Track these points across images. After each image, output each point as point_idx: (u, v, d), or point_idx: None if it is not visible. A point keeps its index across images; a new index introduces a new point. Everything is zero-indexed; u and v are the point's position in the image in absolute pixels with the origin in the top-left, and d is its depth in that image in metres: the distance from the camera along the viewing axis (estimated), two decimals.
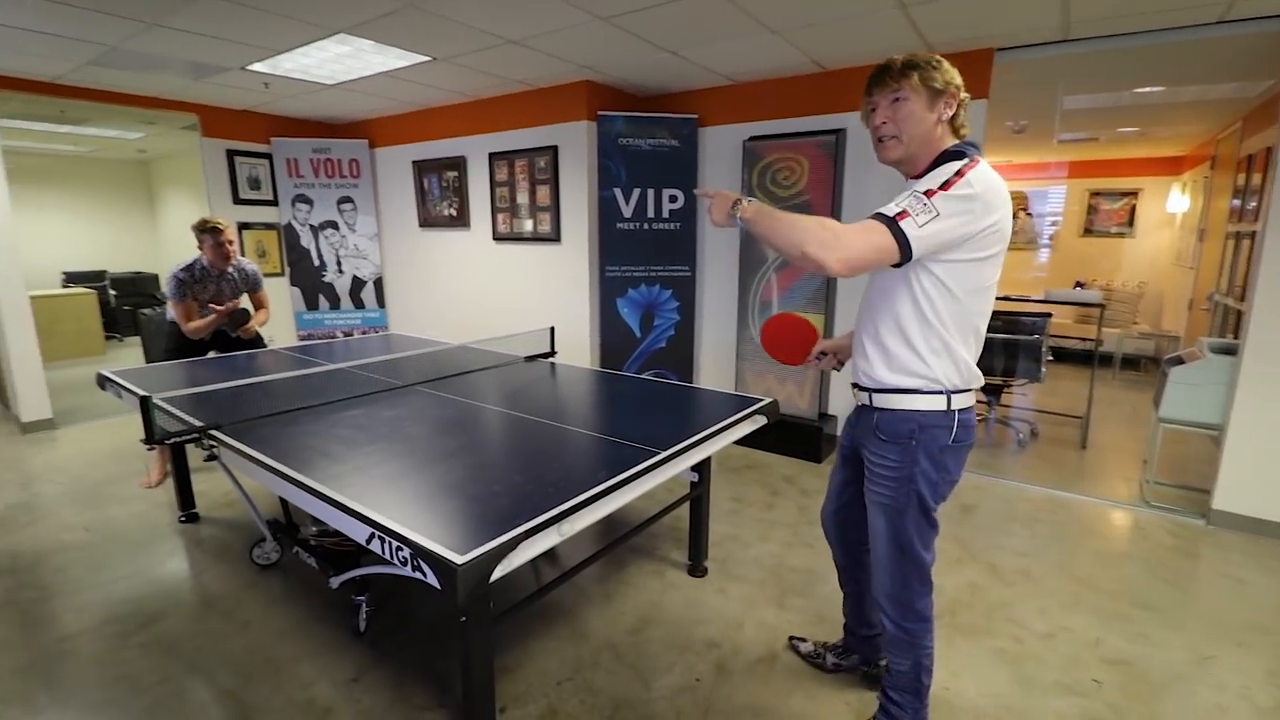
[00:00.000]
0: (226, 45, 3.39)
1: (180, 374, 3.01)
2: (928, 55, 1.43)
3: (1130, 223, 7.02)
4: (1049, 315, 4.01)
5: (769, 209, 1.42)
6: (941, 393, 1.45)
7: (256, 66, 3.82)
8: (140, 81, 4.20)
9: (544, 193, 4.39)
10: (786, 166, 3.80)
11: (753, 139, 3.90)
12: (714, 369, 4.48)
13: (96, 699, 1.89)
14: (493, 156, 4.63)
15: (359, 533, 1.50)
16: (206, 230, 3.31)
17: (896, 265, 1.35)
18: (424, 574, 1.33)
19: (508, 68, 3.78)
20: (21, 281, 4.31)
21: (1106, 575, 2.61)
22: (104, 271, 8.34)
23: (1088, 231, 7.27)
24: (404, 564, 1.38)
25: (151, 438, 2.06)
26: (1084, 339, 5.53)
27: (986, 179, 1.35)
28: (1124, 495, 3.37)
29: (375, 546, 1.46)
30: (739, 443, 4.07)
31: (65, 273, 8.09)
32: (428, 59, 3.60)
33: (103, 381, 2.89)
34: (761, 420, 2.37)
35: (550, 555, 2.73)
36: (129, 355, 6.94)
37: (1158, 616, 2.34)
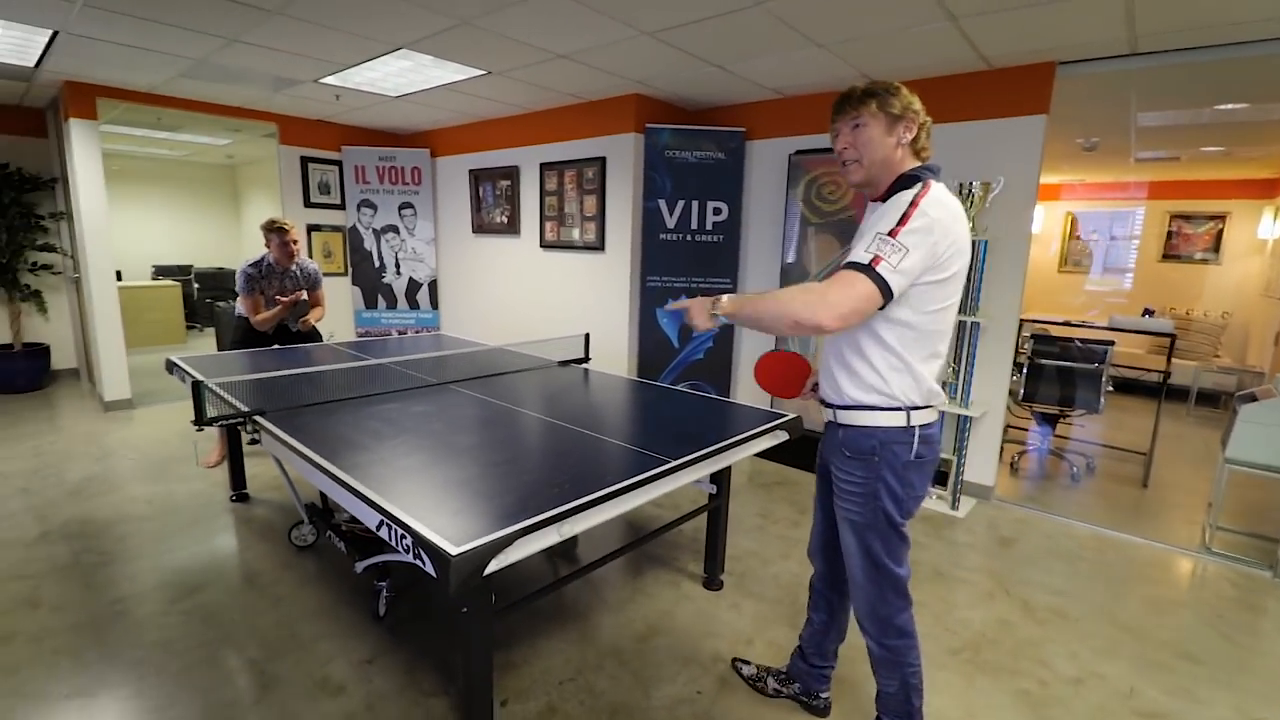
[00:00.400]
0: (300, 60, 3.64)
1: (240, 362, 3.22)
2: (887, 83, 1.48)
3: (1216, 248, 6.55)
4: (1111, 343, 3.79)
5: (745, 296, 1.49)
6: (901, 409, 1.48)
7: (328, 79, 4.07)
8: (226, 92, 4.55)
9: (591, 203, 4.48)
10: (832, 181, 3.76)
11: (799, 153, 3.87)
12: (751, 383, 4.44)
13: (138, 658, 2.05)
14: (544, 166, 4.76)
15: (370, 519, 1.58)
16: (274, 230, 3.55)
17: (881, 308, 1.38)
18: (423, 562, 1.39)
19: (559, 81, 3.89)
20: (112, 274, 4.71)
21: (1152, 622, 2.44)
22: (190, 266, 9.00)
23: (1168, 256, 6.83)
24: (406, 551, 1.44)
25: (201, 419, 2.23)
26: (1150, 370, 5.19)
27: (939, 203, 1.39)
28: (1184, 540, 3.14)
29: (383, 533, 1.53)
30: (770, 458, 4.06)
31: (155, 266, 8.77)
32: (483, 73, 3.75)
33: (170, 366, 3.13)
34: (783, 435, 2.35)
35: (566, 555, 2.77)
36: (205, 344, 7.46)
37: (1205, 671, 2.17)
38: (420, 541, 1.39)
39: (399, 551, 1.47)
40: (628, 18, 2.79)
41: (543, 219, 4.88)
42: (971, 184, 3.14)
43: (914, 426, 1.49)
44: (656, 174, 4.17)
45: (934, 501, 3.47)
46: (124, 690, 1.91)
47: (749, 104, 4.20)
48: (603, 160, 4.34)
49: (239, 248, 9.61)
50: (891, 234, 1.34)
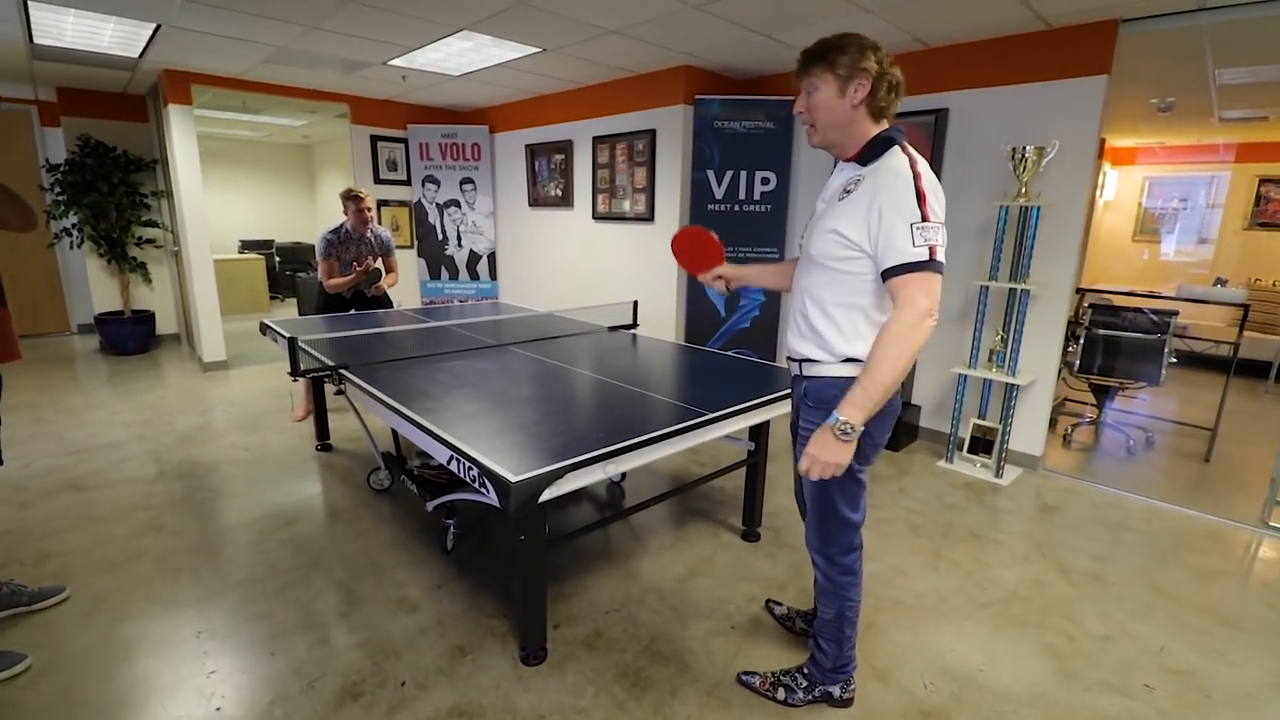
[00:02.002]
0: (370, 44, 3.88)
1: (323, 325, 3.55)
2: (839, 40, 1.43)
3: None
4: (1174, 314, 3.67)
5: (859, 390, 1.39)
6: (859, 360, 1.49)
7: (395, 61, 4.32)
8: (303, 76, 4.87)
9: (641, 174, 4.61)
10: None
11: None
12: None
13: (245, 576, 2.38)
14: (596, 140, 4.90)
15: (441, 454, 1.80)
16: (350, 197, 3.86)
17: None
18: (487, 489, 1.60)
19: (610, 56, 4.01)
20: (208, 247, 5.18)
21: (1193, 589, 2.45)
22: (272, 240, 9.64)
23: (1259, 224, 6.39)
24: (473, 481, 1.66)
25: (296, 370, 2.52)
26: (1225, 343, 4.94)
27: (925, 167, 1.42)
28: (1242, 514, 3.07)
29: (453, 466, 1.75)
30: None
31: (242, 240, 9.44)
32: (538, 50, 3.90)
33: (263, 328, 3.48)
34: None
35: (614, 504, 2.98)
36: (287, 312, 8.03)
37: (1244, 636, 2.18)
38: (485, 471, 1.60)
39: (465, 486, 1.69)
40: None
41: (595, 191, 5.04)
42: (1025, 148, 3.09)
43: None
44: (705, 145, 4.25)
45: (977, 469, 3.50)
46: (235, 599, 2.23)
47: None
48: (653, 133, 4.44)
49: (314, 223, 10.21)
50: (925, 219, 1.35)
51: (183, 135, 4.85)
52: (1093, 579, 2.50)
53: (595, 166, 4.98)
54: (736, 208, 4.32)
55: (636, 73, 4.43)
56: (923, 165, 1.42)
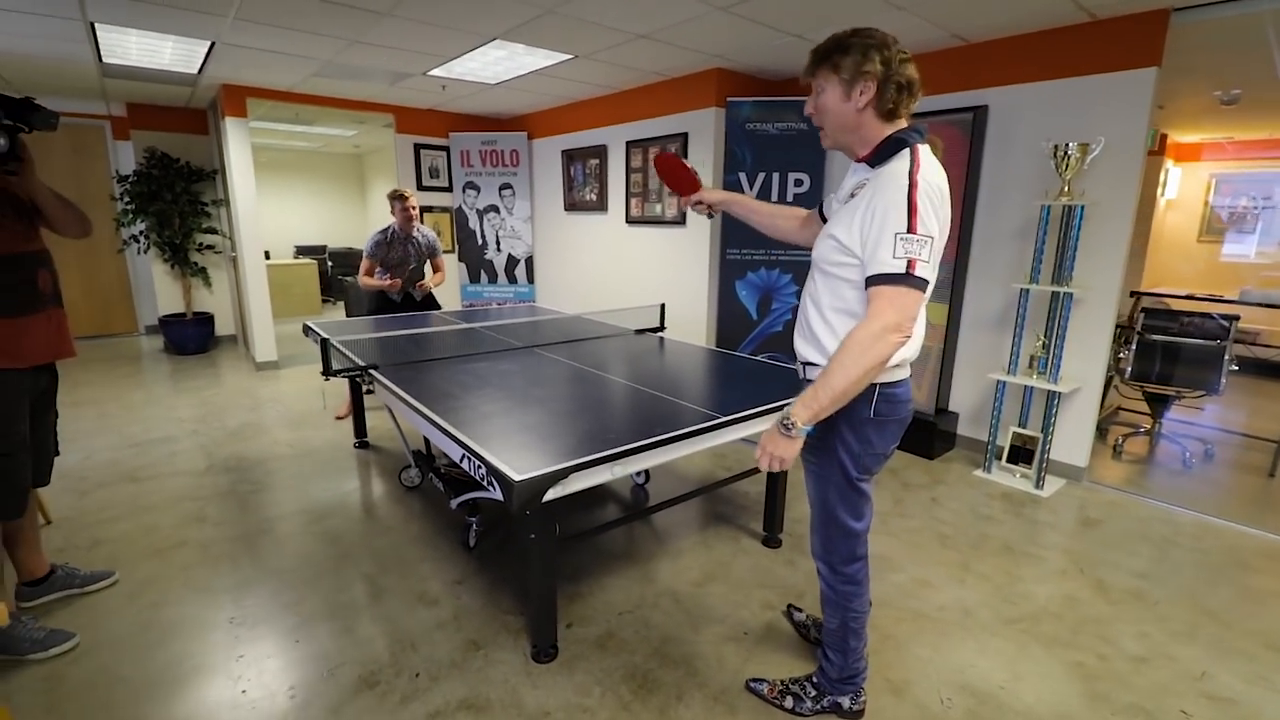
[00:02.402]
0: (410, 55, 4.02)
1: (360, 327, 3.68)
2: (844, 39, 1.39)
3: None
4: (1236, 318, 3.45)
5: (810, 392, 1.38)
6: None
7: (435, 71, 4.45)
8: (350, 88, 5.07)
9: None
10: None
11: None
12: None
13: (278, 566, 2.49)
14: (629, 144, 4.94)
15: (455, 452, 1.85)
16: (395, 197, 4.03)
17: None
18: (494, 487, 1.64)
19: (641, 60, 4.03)
20: (261, 253, 5.44)
21: (1243, 611, 2.30)
22: (324, 246, 10.05)
23: None
24: (481, 479, 1.70)
25: (328, 370, 2.63)
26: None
27: (930, 168, 1.36)
28: None
29: (464, 464, 1.80)
30: None
31: (297, 246, 9.87)
32: (570, 57, 3.96)
33: (306, 330, 3.64)
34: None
35: (637, 506, 2.99)
36: (338, 315, 8.35)
37: None
38: (491, 469, 1.64)
39: (480, 485, 1.73)
40: None
41: (628, 195, 5.07)
42: (1067, 145, 2.97)
43: (873, 384, 1.46)
44: (737, 147, 4.23)
45: (1016, 479, 3.36)
46: (268, 588, 2.34)
47: None
48: (685, 136, 4.45)
49: (365, 229, 10.58)
50: (911, 230, 1.29)
51: (239, 146, 5.12)
52: (1133, 597, 2.37)
53: (629, 170, 5.01)
54: None
55: (668, 76, 4.44)
56: (927, 172, 1.34)
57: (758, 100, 4.16)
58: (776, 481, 2.66)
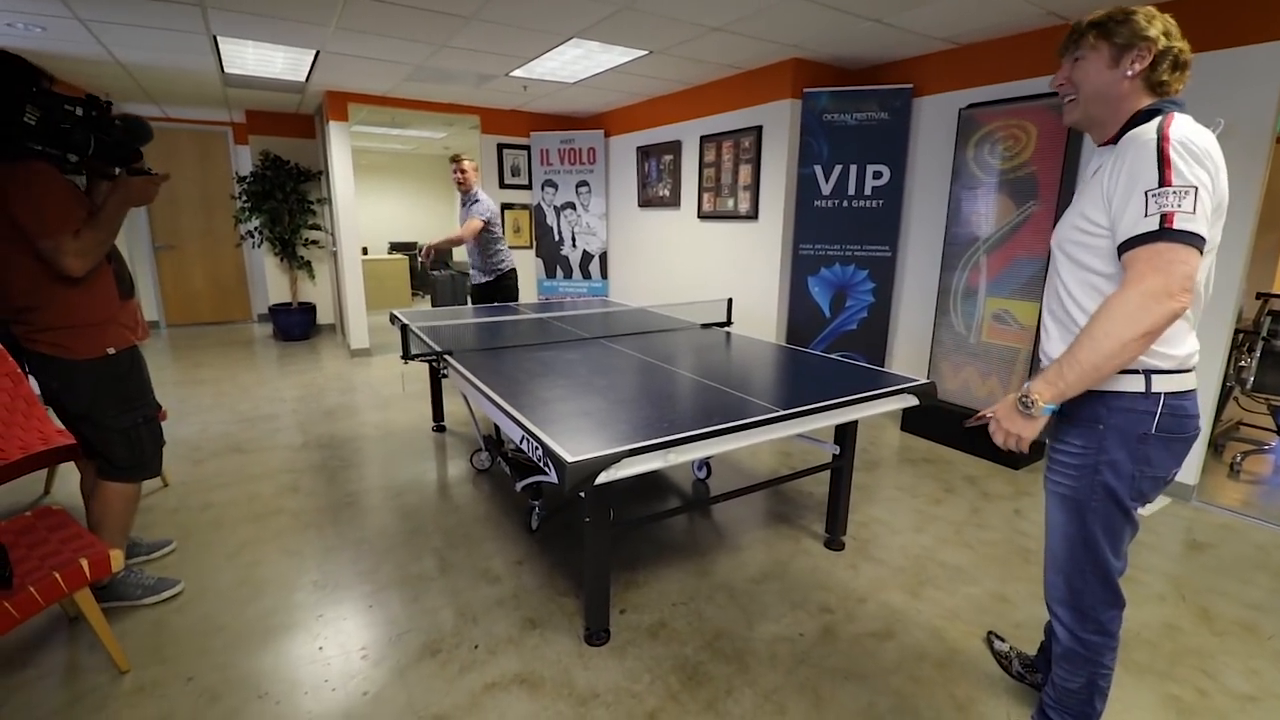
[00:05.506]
0: (492, 57, 4.18)
1: (442, 316, 3.88)
2: (1121, 9, 1.29)
3: None
4: None
5: (1055, 367, 1.25)
6: (1139, 372, 1.27)
7: (516, 72, 4.61)
8: (440, 91, 5.34)
9: (746, 172, 4.56)
10: (1010, 135, 3.43)
11: (970, 107, 3.58)
12: (908, 356, 4.25)
13: (359, 536, 2.67)
14: (703, 139, 4.92)
15: (515, 434, 1.92)
16: (452, 160, 4.30)
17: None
18: (549, 467, 1.69)
19: (717, 53, 4.01)
20: (358, 248, 5.82)
21: None
22: (415, 242, 10.62)
23: None
24: (539, 461, 1.76)
25: (407, 354, 2.79)
26: None
27: (1192, 129, 1.20)
28: None
29: (524, 445, 1.86)
30: (923, 435, 3.87)
31: (391, 242, 10.48)
32: (645, 53, 4.00)
33: (393, 318, 3.87)
34: (911, 400, 2.31)
35: (698, 499, 2.99)
36: (425, 306, 8.81)
37: None
38: (547, 450, 1.69)
39: (542, 468, 1.78)
40: None
41: (701, 190, 5.05)
42: None
43: (1158, 393, 1.26)
44: (813, 139, 4.12)
45: None
46: (348, 555, 2.52)
47: (917, 58, 3.95)
48: (759, 129, 4.38)
49: (453, 226, 11.12)
50: (1165, 183, 1.14)
51: (340, 148, 5.50)
52: (1243, 629, 2.14)
53: (702, 165, 5.00)
54: (845, 203, 4.15)
55: (744, 69, 4.39)
56: (1181, 126, 1.19)
57: (836, 90, 4.03)
58: (841, 482, 2.58)
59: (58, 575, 1.72)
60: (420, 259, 4.37)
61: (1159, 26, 1.27)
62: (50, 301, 1.87)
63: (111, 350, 1.97)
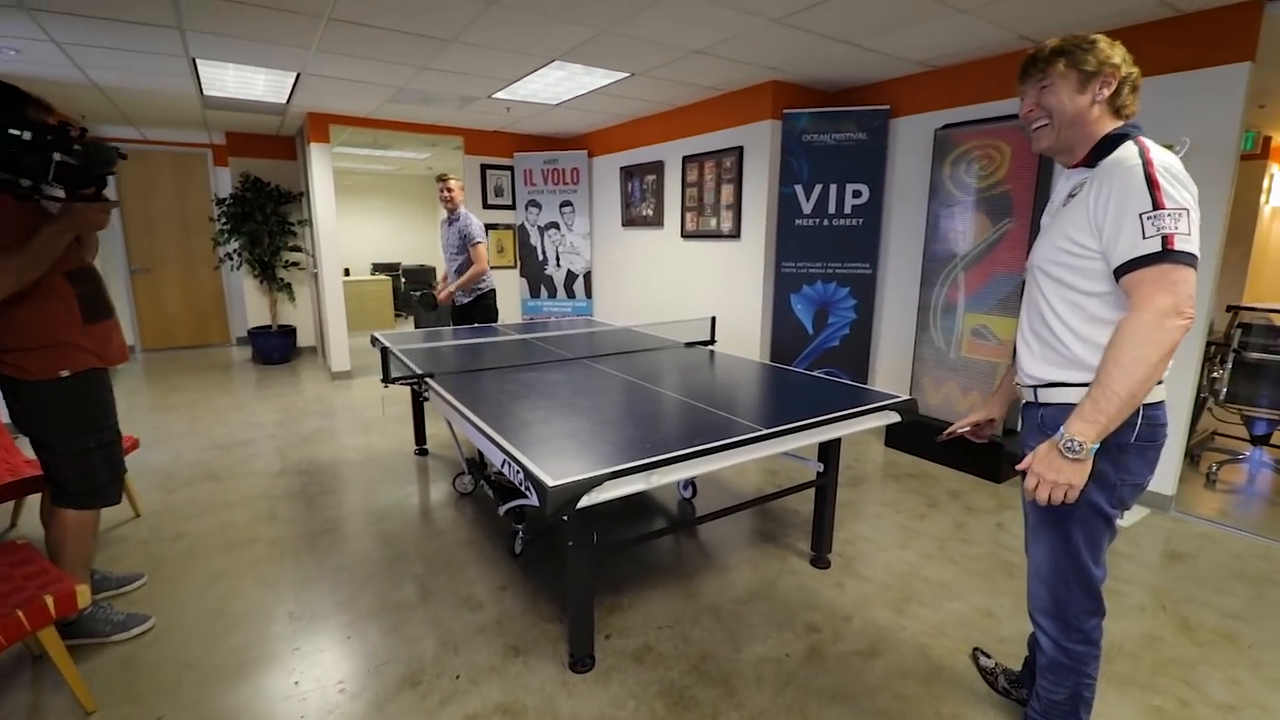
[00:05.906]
0: (474, 79, 4.21)
1: (423, 338, 3.85)
2: (1081, 37, 1.35)
3: None
4: None
5: (1091, 402, 1.25)
6: None
7: (499, 94, 4.64)
8: (423, 113, 5.35)
9: (728, 192, 4.61)
10: (985, 154, 3.50)
11: (945, 127, 3.66)
12: (890, 372, 4.28)
13: (338, 564, 2.61)
14: (685, 159, 4.97)
15: (497, 457, 1.90)
16: (439, 179, 4.32)
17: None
18: (531, 491, 1.67)
19: (697, 76, 4.07)
20: (340, 270, 5.78)
21: None
22: (398, 263, 10.57)
23: None
24: (520, 484, 1.74)
25: (386, 378, 2.76)
26: None
27: (1163, 155, 1.25)
28: None
29: (505, 469, 1.84)
30: (906, 450, 3.89)
31: (374, 263, 10.43)
32: (626, 75, 4.04)
33: (373, 340, 3.83)
34: (894, 417, 2.33)
35: (684, 520, 2.96)
36: (408, 328, 8.74)
37: None
38: (528, 474, 1.67)
39: (523, 492, 1.76)
40: (752, 8, 2.89)
41: (684, 210, 5.09)
42: None
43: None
44: (794, 159, 4.18)
45: None
46: (326, 585, 2.46)
47: (893, 80, 4.04)
48: (740, 149, 4.44)
49: (437, 247, 11.08)
50: (1158, 206, 1.20)
51: (322, 170, 5.48)
52: (1223, 639, 2.15)
53: (684, 185, 5.04)
54: (826, 222, 4.20)
55: (725, 90, 4.46)
56: (1158, 152, 1.26)
57: (815, 111, 4.10)
58: (825, 500, 2.58)
59: (20, 613, 1.66)
60: (440, 300, 4.41)
61: (1120, 53, 1.35)
62: (9, 323, 1.83)
63: (65, 373, 1.92)
